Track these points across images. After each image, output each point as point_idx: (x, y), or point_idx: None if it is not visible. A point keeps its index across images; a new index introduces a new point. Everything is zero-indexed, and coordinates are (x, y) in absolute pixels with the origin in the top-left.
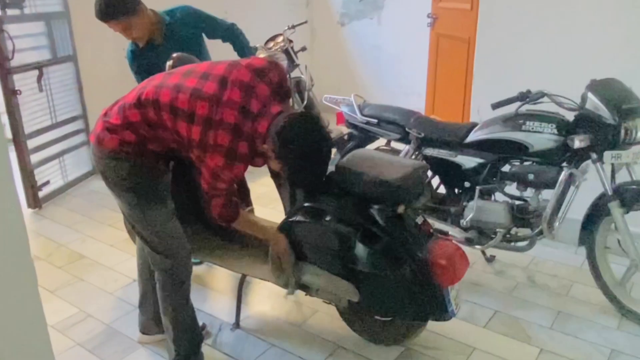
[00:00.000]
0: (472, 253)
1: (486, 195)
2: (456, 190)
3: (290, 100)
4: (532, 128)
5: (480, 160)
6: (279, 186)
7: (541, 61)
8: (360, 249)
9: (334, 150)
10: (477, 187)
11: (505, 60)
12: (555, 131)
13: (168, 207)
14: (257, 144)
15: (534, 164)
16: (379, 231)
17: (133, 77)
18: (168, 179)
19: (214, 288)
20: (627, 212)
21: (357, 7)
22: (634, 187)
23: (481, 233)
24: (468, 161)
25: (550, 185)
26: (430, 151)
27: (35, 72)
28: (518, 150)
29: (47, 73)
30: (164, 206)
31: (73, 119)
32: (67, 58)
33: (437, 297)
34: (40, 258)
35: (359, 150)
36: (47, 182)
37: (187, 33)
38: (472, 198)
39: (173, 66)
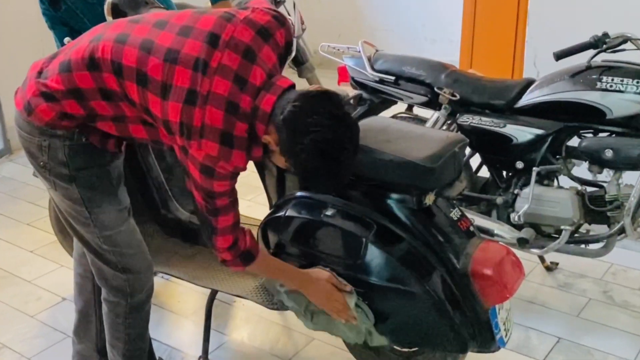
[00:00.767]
0: (527, 260)
1: (546, 179)
2: (505, 173)
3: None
4: (611, 86)
5: (539, 132)
6: (261, 170)
7: None
8: (373, 254)
9: None
10: (534, 169)
11: None
12: None
13: (123, 204)
14: (257, 127)
15: (613, 135)
16: (399, 230)
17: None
18: (121, 165)
19: (173, 309)
20: None
21: None
22: None
23: (539, 232)
24: (521, 133)
25: (636, 165)
26: (468, 119)
27: None
28: (591, 116)
29: None
30: (117, 202)
31: None
32: None
33: (480, 320)
34: None
35: (371, 119)
36: None
37: None
38: (527, 184)
39: (112, 10)
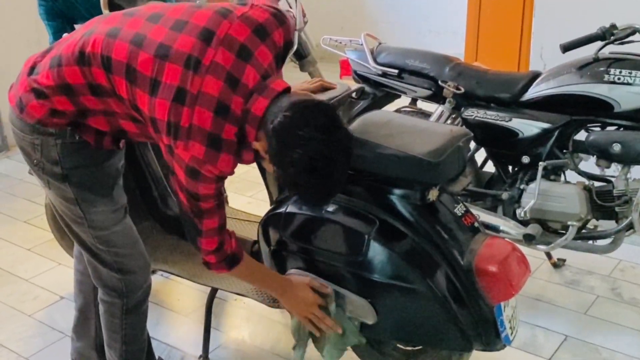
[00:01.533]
0: (534, 256)
1: (553, 174)
2: (510, 168)
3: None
4: (619, 78)
5: (545, 125)
6: (262, 166)
7: None
8: (375, 251)
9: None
10: (541, 164)
11: None
12: None
13: (118, 203)
14: (247, 131)
15: (621, 129)
16: (402, 226)
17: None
18: (117, 163)
19: (173, 308)
20: None
21: None
22: None
23: (546, 228)
24: (527, 126)
25: None
26: (473, 113)
27: None
28: (599, 110)
29: None
30: (112, 202)
31: None
32: None
33: (485, 318)
34: None
35: (373, 113)
36: None
37: None
38: (533, 179)
39: (108, 2)
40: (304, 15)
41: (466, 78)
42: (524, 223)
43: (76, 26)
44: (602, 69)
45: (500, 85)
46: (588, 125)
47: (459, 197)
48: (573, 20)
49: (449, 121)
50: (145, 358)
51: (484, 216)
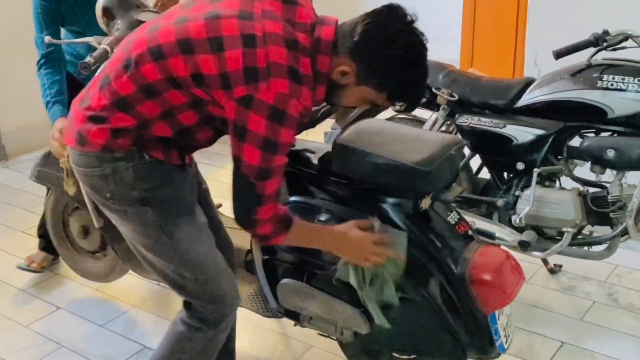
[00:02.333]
0: (530, 262)
1: (548, 180)
2: (505, 175)
3: None
4: (612, 84)
5: (539, 132)
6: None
7: None
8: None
9: (332, 121)
10: (535, 170)
11: None
12: None
13: (199, 221)
14: (319, 62)
15: (615, 135)
16: None
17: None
18: (191, 180)
19: (169, 317)
20: None
21: None
22: None
23: (541, 234)
24: (522, 133)
25: (639, 165)
26: (467, 120)
27: None
28: (592, 116)
29: None
30: (194, 221)
31: None
32: None
33: (479, 327)
34: None
35: (366, 121)
36: None
37: None
38: (527, 185)
39: (103, 12)
40: None
41: (460, 85)
42: (520, 230)
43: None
44: (595, 75)
45: (494, 92)
46: (582, 131)
47: (452, 205)
48: (566, 27)
49: (443, 128)
50: None
51: (479, 223)
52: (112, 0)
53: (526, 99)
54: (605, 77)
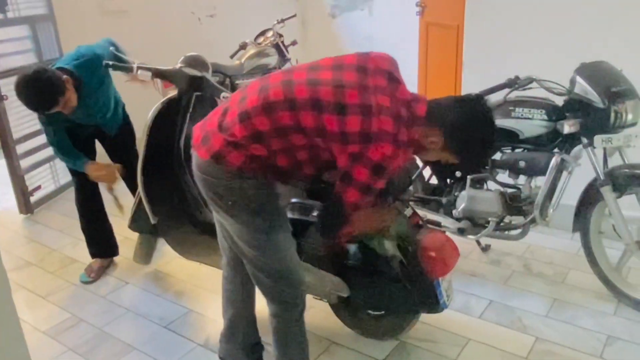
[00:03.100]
0: (468, 243)
1: (478, 184)
2: (448, 181)
3: None
4: (522, 115)
5: None
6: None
7: (531, 46)
8: (350, 244)
9: None
10: (469, 177)
11: (495, 46)
12: (545, 117)
13: (290, 229)
14: (412, 132)
15: (525, 151)
16: None
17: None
18: (282, 202)
19: (209, 288)
20: (620, 196)
21: None
22: (626, 170)
23: (474, 223)
24: None
25: (542, 171)
26: None
27: None
28: (509, 137)
29: None
30: (288, 228)
31: None
32: (53, 61)
33: (428, 290)
34: (32, 263)
35: None
36: (39, 187)
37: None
38: (463, 188)
39: (187, 63)
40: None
41: None
42: (458, 220)
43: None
44: (510, 108)
45: None
46: (502, 148)
47: (409, 203)
48: (490, 74)
49: None
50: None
51: (430, 215)
52: (190, 59)
53: None
54: (517, 109)
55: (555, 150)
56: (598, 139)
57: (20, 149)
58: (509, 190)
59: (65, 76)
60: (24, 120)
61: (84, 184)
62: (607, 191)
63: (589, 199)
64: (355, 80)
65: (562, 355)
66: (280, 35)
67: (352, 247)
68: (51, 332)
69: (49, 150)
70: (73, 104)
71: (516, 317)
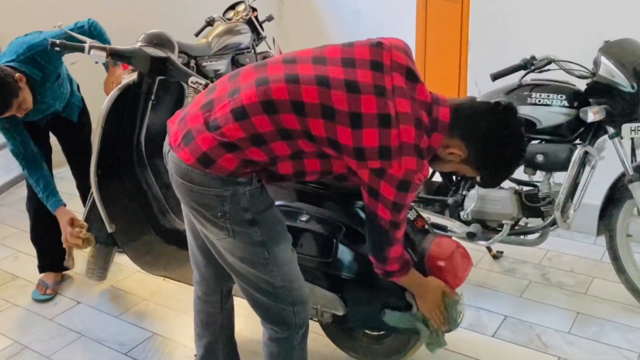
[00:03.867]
0: (476, 250)
1: None
2: (454, 178)
3: None
4: (539, 100)
5: None
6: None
7: (547, 22)
8: (343, 253)
9: None
10: None
11: (506, 22)
12: (566, 103)
13: (291, 239)
14: (433, 139)
15: (543, 142)
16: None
17: None
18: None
19: (174, 307)
20: None
21: None
22: None
23: (485, 226)
24: None
25: (563, 166)
26: None
27: None
28: (524, 127)
29: None
30: (289, 238)
31: None
32: None
33: None
34: None
35: None
36: None
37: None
38: (472, 186)
39: (149, 41)
40: (281, 54)
41: None
42: (467, 223)
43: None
44: (525, 93)
45: None
46: None
47: (411, 204)
48: (500, 54)
49: None
50: None
51: (434, 218)
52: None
53: None
54: (533, 94)
55: (578, 141)
56: (626, 128)
57: None
58: (525, 189)
59: (17, 74)
60: None
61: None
62: (636, 188)
63: (616, 197)
64: (371, 82)
65: None
66: (254, 10)
67: (348, 257)
68: None
69: None
70: (28, 105)
71: (534, 335)
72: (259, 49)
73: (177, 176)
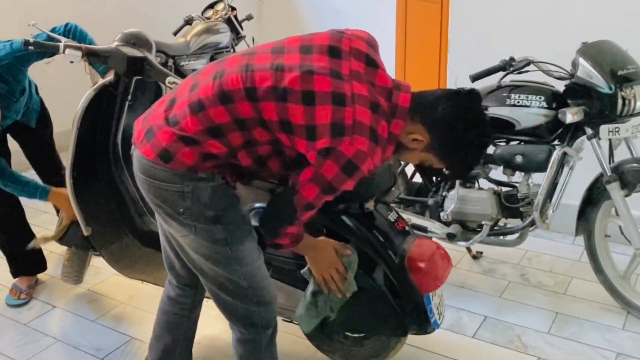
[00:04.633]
0: (456, 250)
1: (469, 182)
2: (434, 179)
3: None
4: (518, 102)
5: None
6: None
7: (526, 23)
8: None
9: None
10: None
11: (485, 23)
12: (545, 104)
13: (256, 239)
14: (393, 125)
15: (522, 143)
16: (346, 233)
17: None
18: (243, 206)
19: (151, 311)
20: (629, 194)
21: None
22: (635, 165)
23: (465, 227)
24: None
25: (542, 167)
26: None
27: None
28: (503, 128)
29: None
30: (254, 237)
31: None
32: None
33: (417, 307)
34: None
35: None
36: None
37: None
38: (452, 187)
39: (126, 41)
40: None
41: None
42: (447, 224)
43: None
44: (504, 94)
45: None
46: (495, 141)
47: (392, 205)
48: (479, 55)
49: None
50: None
51: (414, 219)
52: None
53: None
54: (512, 95)
55: (556, 142)
56: (604, 129)
57: None
58: (504, 189)
59: None
60: None
61: (1, 190)
62: (614, 189)
63: (594, 197)
64: (327, 65)
65: None
66: (233, 9)
67: None
68: None
69: None
70: None
71: (514, 335)
72: (238, 48)
73: (140, 173)
